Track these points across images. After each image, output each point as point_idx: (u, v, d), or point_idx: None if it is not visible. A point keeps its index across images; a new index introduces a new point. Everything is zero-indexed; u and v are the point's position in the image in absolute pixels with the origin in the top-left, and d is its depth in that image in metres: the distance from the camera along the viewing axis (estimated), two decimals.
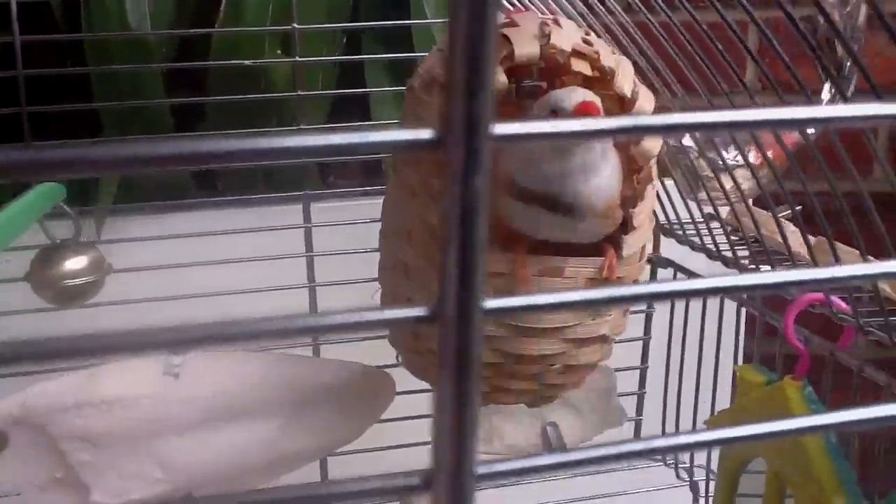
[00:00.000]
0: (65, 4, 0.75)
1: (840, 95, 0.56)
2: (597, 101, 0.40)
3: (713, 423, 0.54)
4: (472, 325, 0.14)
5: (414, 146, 0.14)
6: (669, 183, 0.59)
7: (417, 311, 0.14)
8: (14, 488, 0.53)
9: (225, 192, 0.80)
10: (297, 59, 0.65)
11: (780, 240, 0.49)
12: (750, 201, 0.55)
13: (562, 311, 0.16)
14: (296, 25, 0.64)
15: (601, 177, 0.41)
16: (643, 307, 0.65)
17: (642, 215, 0.44)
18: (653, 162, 0.44)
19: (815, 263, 0.48)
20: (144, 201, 0.74)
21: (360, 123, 0.76)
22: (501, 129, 0.14)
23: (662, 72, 0.49)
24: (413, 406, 0.58)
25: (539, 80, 0.50)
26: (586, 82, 0.43)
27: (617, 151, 0.44)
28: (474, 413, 0.14)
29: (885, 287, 0.43)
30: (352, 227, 0.58)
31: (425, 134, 0.14)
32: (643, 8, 0.47)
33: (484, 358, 0.46)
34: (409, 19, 0.77)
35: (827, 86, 0.57)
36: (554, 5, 0.54)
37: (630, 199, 0.44)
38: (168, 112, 0.77)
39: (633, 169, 0.43)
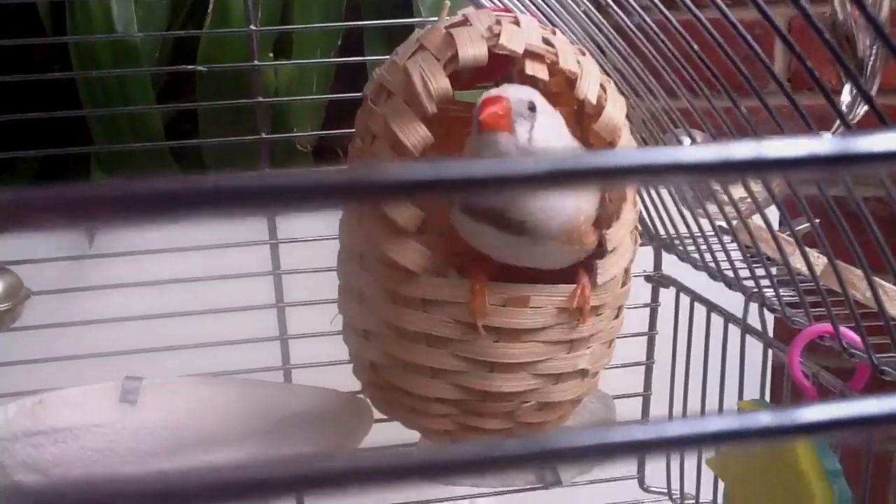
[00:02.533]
0: (52, 12, 0.73)
1: (863, 96, 0.49)
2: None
3: (714, 465, 0.48)
4: None
5: None
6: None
7: None
8: None
9: None
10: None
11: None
12: (755, 218, 0.49)
13: None
14: None
15: (554, 195, 0.36)
16: (645, 329, 0.59)
17: (618, 237, 0.39)
18: None
19: (817, 285, 0.43)
20: None
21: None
22: None
23: (682, 71, 0.44)
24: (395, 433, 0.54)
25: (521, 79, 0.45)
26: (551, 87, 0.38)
27: None
28: None
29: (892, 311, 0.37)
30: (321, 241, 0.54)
31: None
32: (662, 7, 0.41)
33: (444, 394, 0.42)
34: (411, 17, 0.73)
35: (848, 87, 0.51)
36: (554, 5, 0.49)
37: (603, 219, 0.38)
38: (158, 118, 0.74)
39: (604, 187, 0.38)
